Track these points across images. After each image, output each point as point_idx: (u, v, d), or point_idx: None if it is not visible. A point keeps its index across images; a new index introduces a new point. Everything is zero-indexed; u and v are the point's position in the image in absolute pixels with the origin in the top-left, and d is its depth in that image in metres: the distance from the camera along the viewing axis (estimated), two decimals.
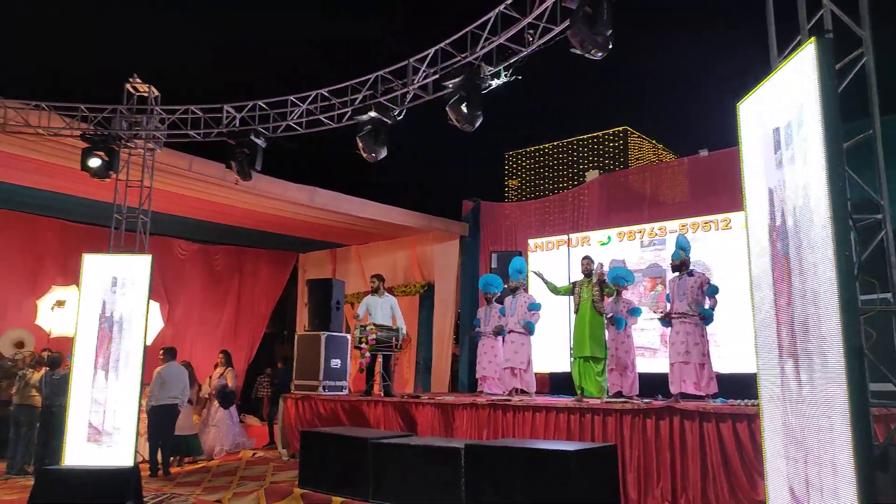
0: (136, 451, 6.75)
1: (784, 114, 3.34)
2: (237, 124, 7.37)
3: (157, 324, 11.29)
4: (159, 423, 8.17)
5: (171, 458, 8.52)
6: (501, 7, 5.47)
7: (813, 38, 3.00)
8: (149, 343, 7.15)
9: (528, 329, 7.58)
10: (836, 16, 3.43)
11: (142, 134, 7.52)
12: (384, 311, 8.83)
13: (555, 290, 7.73)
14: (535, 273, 8.07)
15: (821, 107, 2.92)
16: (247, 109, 7.37)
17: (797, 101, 3.17)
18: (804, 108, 3.09)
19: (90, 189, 8.22)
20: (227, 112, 7.41)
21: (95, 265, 6.93)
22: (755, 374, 3.74)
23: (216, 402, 9.57)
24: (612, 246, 9.25)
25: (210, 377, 10.07)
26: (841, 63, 3.28)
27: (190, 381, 8.96)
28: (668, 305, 6.74)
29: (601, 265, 7.61)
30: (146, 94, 7.48)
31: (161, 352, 8.67)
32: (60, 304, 8.60)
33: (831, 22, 3.41)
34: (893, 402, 4.03)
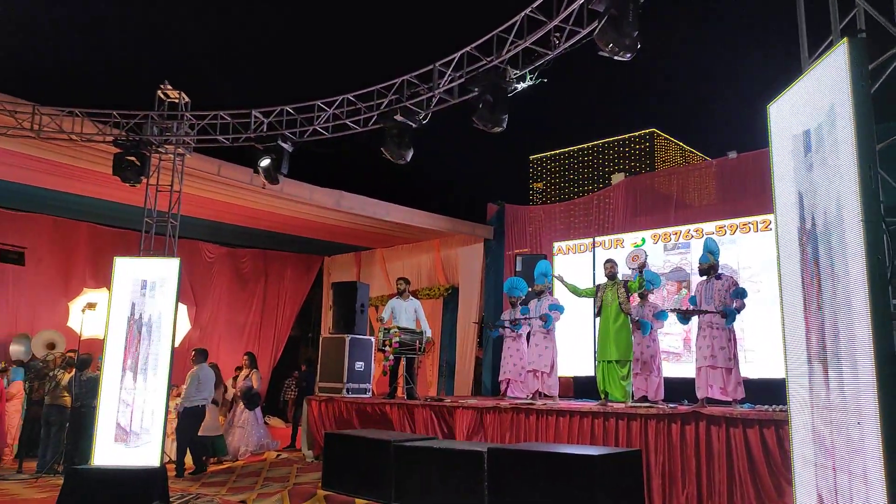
0: (164, 452, 6.85)
1: (815, 116, 3.29)
2: (265, 129, 7.45)
3: (184, 326, 11.45)
4: (190, 423, 8.29)
5: (210, 459, 8.76)
6: (528, 10, 5.46)
7: (845, 39, 2.95)
8: (176, 345, 7.25)
9: (545, 320, 7.56)
10: (869, 15, 3.37)
11: (172, 139, 7.64)
12: (408, 314, 8.85)
13: (576, 291, 7.66)
14: (556, 277, 8.03)
15: (853, 109, 2.87)
16: (274, 115, 7.45)
17: (828, 103, 3.12)
18: (836, 109, 3.04)
19: (121, 193, 8.37)
20: (255, 117, 7.50)
21: (126, 268, 7.05)
22: (784, 380, 3.69)
23: (241, 404, 9.67)
24: (613, 253, 9.21)
25: (234, 378, 10.18)
26: (874, 63, 3.22)
27: (216, 382, 9.08)
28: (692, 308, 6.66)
29: (645, 252, 7.57)
30: (177, 101, 7.60)
31: (193, 353, 8.80)
32: (91, 306, 8.74)
33: (864, 21, 3.34)
34: None
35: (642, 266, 7.20)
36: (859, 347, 2.80)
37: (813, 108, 3.31)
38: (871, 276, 2.71)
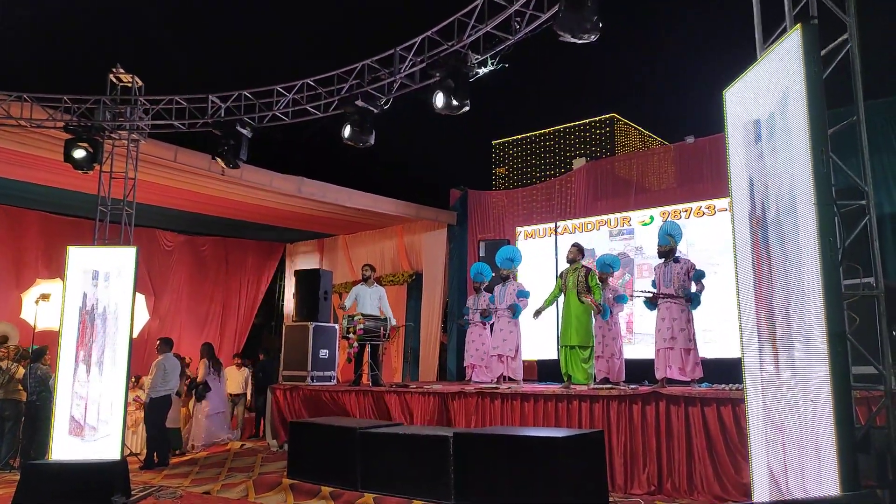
0: (124, 444, 6.73)
1: (769, 101, 3.36)
2: (222, 114, 7.31)
3: (142, 316, 11.22)
4: (158, 414, 8.17)
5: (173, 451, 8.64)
6: None
7: (798, 25, 3.01)
8: (134, 336, 7.10)
9: (514, 311, 7.60)
10: (820, 2, 3.44)
11: (126, 125, 7.43)
12: (372, 300, 8.83)
13: (550, 301, 7.53)
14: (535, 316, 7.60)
15: (806, 93, 2.93)
16: (232, 99, 7.30)
17: (782, 88, 3.18)
18: (789, 94, 3.10)
19: (74, 181, 8.14)
20: (213, 102, 7.34)
21: (80, 258, 6.86)
22: (739, 359, 3.79)
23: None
24: (575, 237, 9.31)
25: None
26: (825, 50, 3.29)
27: (180, 372, 8.94)
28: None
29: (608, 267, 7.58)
30: (130, 85, 7.39)
31: (158, 342, 8.65)
32: (45, 297, 8.50)
33: (816, 8, 3.41)
34: (874, 385, 4.07)
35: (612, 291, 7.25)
36: (812, 327, 2.88)
37: (767, 94, 3.38)
38: (823, 257, 2.79)
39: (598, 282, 7.16)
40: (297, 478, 6.26)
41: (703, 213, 8.50)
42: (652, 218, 9.14)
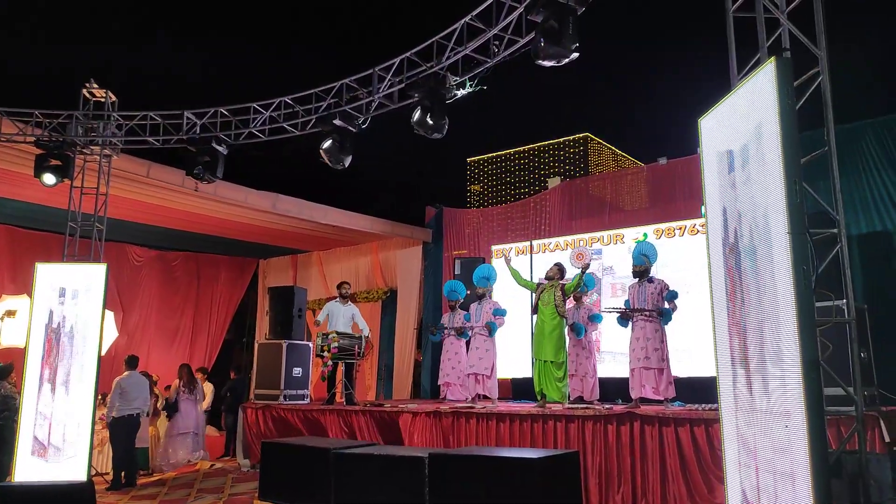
0: (91, 465, 6.57)
1: (743, 132, 3.43)
2: (198, 131, 7.24)
3: (110, 333, 10.99)
4: (120, 434, 7.98)
5: (139, 471, 8.44)
6: (467, 18, 5.51)
7: (772, 59, 3.09)
8: (102, 354, 6.97)
9: (490, 329, 7.60)
10: (792, 34, 3.53)
11: (98, 140, 7.33)
12: (346, 318, 8.77)
13: (517, 277, 7.48)
14: (505, 259, 7.78)
15: (779, 126, 3.00)
16: (208, 116, 7.25)
17: (756, 120, 3.25)
18: (763, 126, 3.17)
19: (44, 195, 7.99)
20: (188, 118, 7.28)
21: (48, 274, 6.74)
22: (711, 378, 3.84)
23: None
24: (550, 256, 9.35)
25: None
26: (798, 81, 3.38)
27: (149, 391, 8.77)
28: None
29: (590, 253, 7.60)
30: (103, 100, 7.30)
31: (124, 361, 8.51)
32: (11, 314, 8.32)
33: (789, 40, 3.51)
34: (844, 406, 4.15)
35: (586, 267, 7.21)
36: (785, 354, 2.93)
37: (741, 125, 3.45)
38: (797, 286, 2.84)
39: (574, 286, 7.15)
40: (269, 499, 6.15)
41: (693, 233, 8.54)
42: (645, 235, 9.17)
